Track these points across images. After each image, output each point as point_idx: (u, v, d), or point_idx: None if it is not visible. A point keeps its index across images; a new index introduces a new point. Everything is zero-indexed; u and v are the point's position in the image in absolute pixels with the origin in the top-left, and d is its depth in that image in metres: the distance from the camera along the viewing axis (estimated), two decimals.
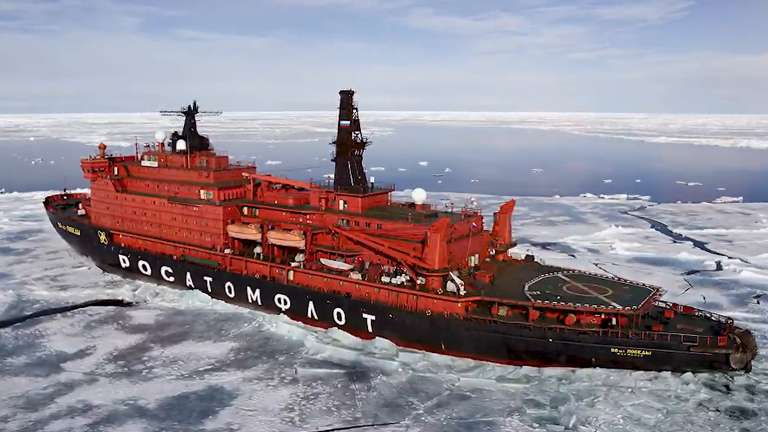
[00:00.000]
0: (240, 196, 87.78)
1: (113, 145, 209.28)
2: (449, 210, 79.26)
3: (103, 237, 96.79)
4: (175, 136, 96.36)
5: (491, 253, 78.36)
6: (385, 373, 60.97)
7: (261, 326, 74.11)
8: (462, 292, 64.57)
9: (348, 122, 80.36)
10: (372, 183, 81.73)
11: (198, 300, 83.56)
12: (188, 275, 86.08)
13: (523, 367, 61.49)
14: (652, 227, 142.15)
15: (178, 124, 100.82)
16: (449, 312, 64.37)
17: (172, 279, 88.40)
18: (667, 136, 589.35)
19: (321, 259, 74.56)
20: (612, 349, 58.62)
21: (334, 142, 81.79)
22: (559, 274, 71.42)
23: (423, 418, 52.10)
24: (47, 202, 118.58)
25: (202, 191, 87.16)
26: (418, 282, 67.80)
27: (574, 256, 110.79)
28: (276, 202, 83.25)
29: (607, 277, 72.98)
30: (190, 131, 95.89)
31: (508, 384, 58.29)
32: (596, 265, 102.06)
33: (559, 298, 62.64)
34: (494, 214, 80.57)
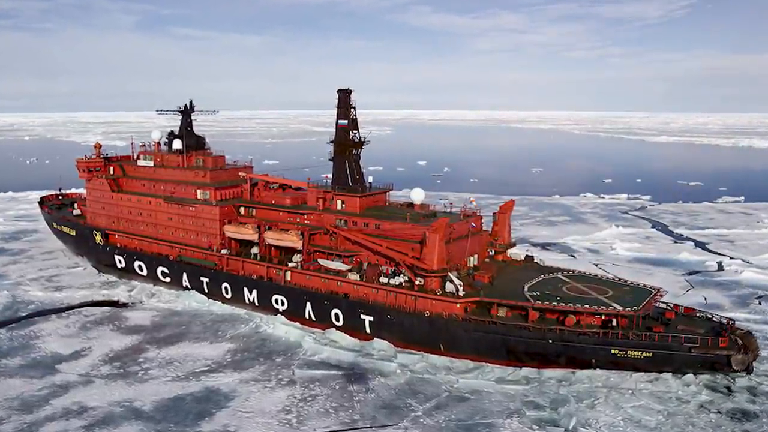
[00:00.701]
0: (237, 196, 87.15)
1: (109, 145, 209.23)
2: (448, 210, 78.69)
3: (98, 237, 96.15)
4: (172, 136, 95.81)
5: (490, 253, 77.83)
6: (383, 374, 60.45)
7: (258, 327, 73.52)
8: (461, 293, 64.03)
9: (346, 121, 79.72)
10: (370, 183, 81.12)
11: (194, 301, 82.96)
12: (184, 276, 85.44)
13: (523, 368, 60.97)
14: (652, 227, 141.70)
15: (175, 123, 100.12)
16: (448, 313, 63.83)
17: (168, 279, 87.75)
18: (667, 136, 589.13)
19: (318, 260, 74.00)
20: (612, 351, 58.10)
21: (331, 142, 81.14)
22: (559, 275, 70.90)
23: (421, 420, 51.61)
24: (42, 201, 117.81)
25: (198, 191, 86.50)
26: (417, 282, 67.19)
27: (574, 256, 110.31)
28: (273, 202, 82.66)
29: (607, 278, 72.48)
30: (186, 130, 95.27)
31: (508, 385, 57.74)
32: (596, 265, 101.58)
33: (558, 298, 62.11)
34: (493, 214, 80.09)
